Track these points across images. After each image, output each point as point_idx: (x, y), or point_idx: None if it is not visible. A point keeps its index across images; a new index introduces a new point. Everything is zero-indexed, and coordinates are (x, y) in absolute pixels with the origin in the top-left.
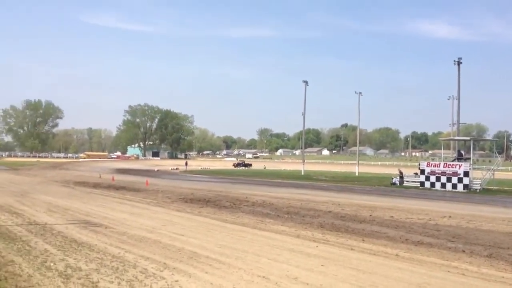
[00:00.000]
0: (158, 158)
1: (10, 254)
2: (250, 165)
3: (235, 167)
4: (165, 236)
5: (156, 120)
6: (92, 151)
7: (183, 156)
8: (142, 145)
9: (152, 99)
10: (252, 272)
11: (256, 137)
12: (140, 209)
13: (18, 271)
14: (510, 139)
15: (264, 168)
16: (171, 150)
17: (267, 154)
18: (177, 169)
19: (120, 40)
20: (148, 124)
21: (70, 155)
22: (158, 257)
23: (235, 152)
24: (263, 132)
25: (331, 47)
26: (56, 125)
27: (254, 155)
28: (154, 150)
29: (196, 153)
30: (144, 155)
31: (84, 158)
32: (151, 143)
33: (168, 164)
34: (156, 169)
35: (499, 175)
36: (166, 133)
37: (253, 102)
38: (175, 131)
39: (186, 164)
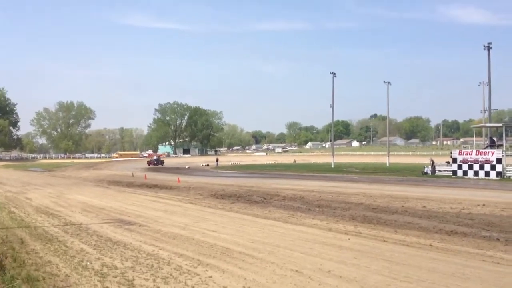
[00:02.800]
0: (189, 155)
1: (48, 254)
2: (162, 162)
3: (148, 165)
4: (197, 233)
5: (186, 117)
6: (124, 150)
7: (213, 152)
8: (172, 143)
9: (182, 97)
10: (285, 266)
11: (285, 131)
12: (173, 207)
13: (55, 271)
14: None
15: (294, 161)
16: (201, 147)
17: (296, 147)
18: (207, 165)
19: (148, 39)
20: (178, 122)
21: (103, 155)
22: (191, 254)
23: (265, 146)
24: (291, 126)
25: (360, 37)
26: (89, 125)
27: (284, 149)
28: (184, 148)
29: (225, 149)
30: (175, 152)
31: (117, 157)
32: (181, 140)
33: (198, 161)
34: (187, 166)
35: None
36: (196, 130)
37: (282, 96)
38: (205, 127)
39: (217, 160)
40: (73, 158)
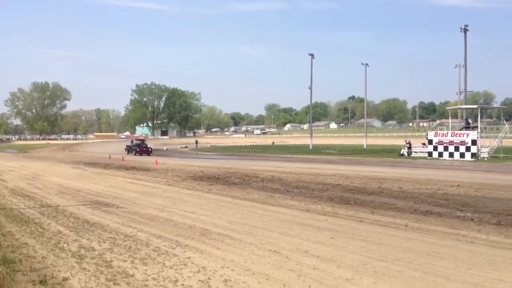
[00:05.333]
0: (167, 137)
1: (24, 236)
2: (150, 150)
3: (129, 153)
4: (176, 214)
5: (164, 98)
6: (101, 132)
7: (191, 134)
8: (150, 125)
9: (160, 79)
10: (263, 246)
11: (263, 112)
12: (151, 188)
13: (32, 253)
14: None
15: (272, 143)
16: (180, 129)
17: (275, 129)
18: (186, 147)
19: (127, 20)
20: (155, 103)
21: (79, 136)
22: (170, 235)
23: (243, 128)
24: (270, 108)
25: (338, 19)
26: (64, 106)
27: (262, 131)
28: (162, 129)
29: (204, 130)
30: (153, 134)
31: (93, 139)
32: (159, 122)
33: (177, 143)
34: (165, 148)
35: (507, 142)
36: (174, 111)
37: (260, 78)
38: (183, 109)
39: (196, 142)
40: (48, 139)
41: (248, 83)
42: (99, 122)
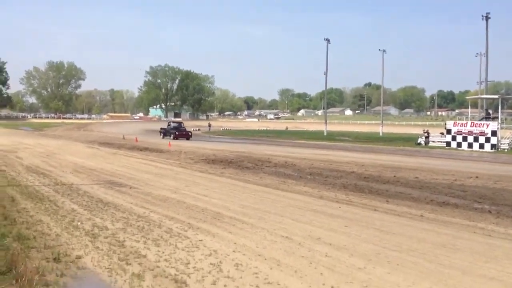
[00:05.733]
0: (180, 119)
1: (38, 213)
2: (189, 134)
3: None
4: (188, 197)
5: (177, 81)
6: (114, 112)
7: (204, 117)
8: (163, 107)
9: (174, 60)
10: (275, 232)
11: (277, 97)
12: (164, 170)
13: (46, 230)
14: None
15: (286, 128)
16: (192, 111)
17: (288, 114)
18: (199, 130)
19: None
20: (169, 85)
21: (93, 116)
22: (182, 217)
23: (257, 112)
24: (284, 93)
25: (356, 2)
26: (79, 86)
27: (276, 116)
28: (175, 111)
29: (217, 114)
30: (166, 116)
31: (107, 119)
32: (172, 104)
33: (189, 125)
34: None
35: None
36: (187, 94)
37: (274, 62)
38: (196, 92)
39: (209, 125)
40: (63, 118)
41: (262, 67)
42: (113, 103)
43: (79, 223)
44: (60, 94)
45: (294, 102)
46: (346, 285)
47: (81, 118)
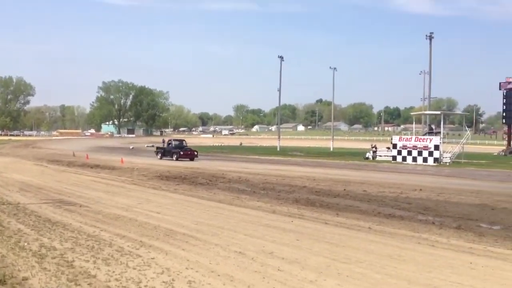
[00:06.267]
0: (133, 136)
1: None
2: (194, 154)
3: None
4: (140, 214)
5: (131, 96)
6: (65, 128)
7: (158, 133)
8: (116, 122)
9: (127, 76)
10: (229, 248)
11: (232, 113)
12: (115, 187)
13: None
14: (479, 112)
15: (240, 144)
16: (146, 127)
17: (243, 130)
18: (152, 146)
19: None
20: (122, 101)
21: (42, 132)
22: (134, 235)
23: (211, 128)
24: (239, 108)
25: (307, 22)
26: (28, 102)
27: (230, 132)
28: (129, 127)
29: (172, 130)
30: (119, 132)
31: (57, 136)
32: (125, 120)
33: (143, 142)
34: (131, 147)
35: (469, 148)
36: (141, 109)
37: (229, 78)
38: (150, 107)
39: (163, 141)
40: (10, 135)
41: (217, 83)
42: (63, 119)
43: (25, 244)
44: (7, 110)
45: (248, 118)
46: None
47: (29, 135)
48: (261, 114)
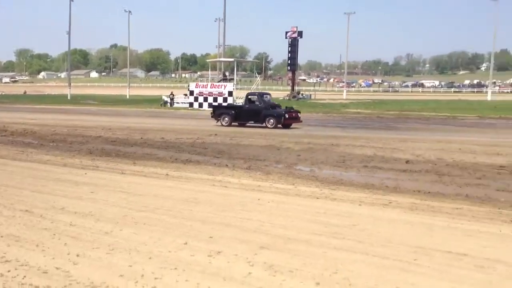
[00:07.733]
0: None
1: None
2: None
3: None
4: None
5: None
6: None
7: None
8: None
9: None
10: (14, 206)
11: (14, 58)
12: None
13: None
14: (268, 60)
15: (24, 92)
16: None
17: (27, 77)
18: None
19: None
20: None
21: None
22: None
23: None
24: (22, 53)
25: None
26: None
27: (12, 79)
28: None
29: None
30: None
31: None
32: None
33: None
34: None
35: None
36: None
37: (7, 19)
38: None
39: None
40: None
41: None
42: None
43: None
44: None
45: (33, 63)
46: (92, 251)
47: None
48: (49, 60)
